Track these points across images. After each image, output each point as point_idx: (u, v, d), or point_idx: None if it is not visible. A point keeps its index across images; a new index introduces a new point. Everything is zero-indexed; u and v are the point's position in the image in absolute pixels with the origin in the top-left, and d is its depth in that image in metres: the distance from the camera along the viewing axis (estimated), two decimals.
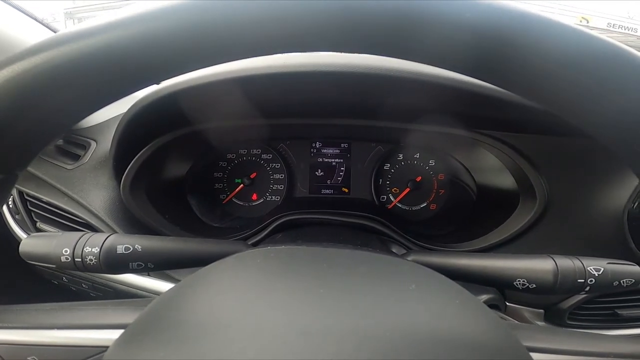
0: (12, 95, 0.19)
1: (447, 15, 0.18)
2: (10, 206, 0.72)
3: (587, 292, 0.35)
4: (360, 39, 0.19)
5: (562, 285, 0.34)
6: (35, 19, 0.64)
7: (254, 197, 0.84)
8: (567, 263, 0.34)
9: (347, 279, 0.25)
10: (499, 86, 0.21)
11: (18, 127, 0.21)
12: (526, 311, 0.63)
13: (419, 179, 0.81)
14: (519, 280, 0.35)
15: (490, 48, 0.19)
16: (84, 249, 0.35)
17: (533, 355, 0.22)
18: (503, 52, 0.18)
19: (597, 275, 0.34)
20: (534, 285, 0.35)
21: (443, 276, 0.28)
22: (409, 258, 0.41)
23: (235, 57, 0.21)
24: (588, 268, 0.34)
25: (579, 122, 0.20)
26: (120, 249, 0.36)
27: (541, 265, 0.35)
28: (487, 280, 0.37)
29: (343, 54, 0.51)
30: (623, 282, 0.34)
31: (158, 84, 0.53)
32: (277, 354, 0.18)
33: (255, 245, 0.43)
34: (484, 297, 0.54)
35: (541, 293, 0.35)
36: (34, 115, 0.21)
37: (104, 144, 0.65)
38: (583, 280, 0.34)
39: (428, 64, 0.21)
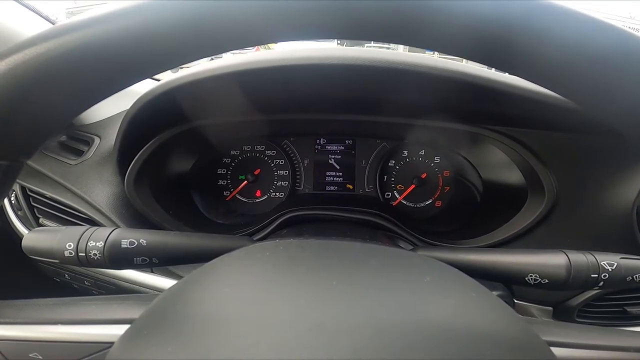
0: (18, 82, 0.19)
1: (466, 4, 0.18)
2: (13, 202, 0.71)
3: (600, 288, 0.34)
4: (375, 26, 0.19)
5: (575, 281, 0.33)
6: (40, 15, 0.64)
7: (258, 193, 0.84)
8: (580, 258, 0.34)
9: (360, 271, 0.25)
10: (525, 78, 0.20)
11: (24, 113, 0.20)
12: (534, 309, 0.62)
13: (424, 175, 0.81)
14: (530, 276, 0.35)
15: (513, 39, 0.18)
16: (88, 244, 0.35)
17: (552, 349, 0.22)
18: (527, 43, 0.18)
19: (610, 270, 0.33)
20: (547, 281, 0.34)
21: (456, 269, 0.27)
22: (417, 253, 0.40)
23: (246, 44, 0.20)
24: (601, 263, 0.33)
25: (598, 113, 0.20)
26: (125, 243, 0.35)
27: (554, 260, 0.34)
28: (497, 275, 0.37)
29: (349, 47, 0.50)
30: (636, 277, 0.34)
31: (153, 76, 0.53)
32: (291, 347, 0.17)
33: (260, 241, 0.43)
34: (493, 293, 0.53)
35: (554, 288, 0.34)
36: (41, 102, 0.20)
37: (108, 140, 0.65)
38: (596, 275, 0.33)
39: (444, 53, 0.20)
